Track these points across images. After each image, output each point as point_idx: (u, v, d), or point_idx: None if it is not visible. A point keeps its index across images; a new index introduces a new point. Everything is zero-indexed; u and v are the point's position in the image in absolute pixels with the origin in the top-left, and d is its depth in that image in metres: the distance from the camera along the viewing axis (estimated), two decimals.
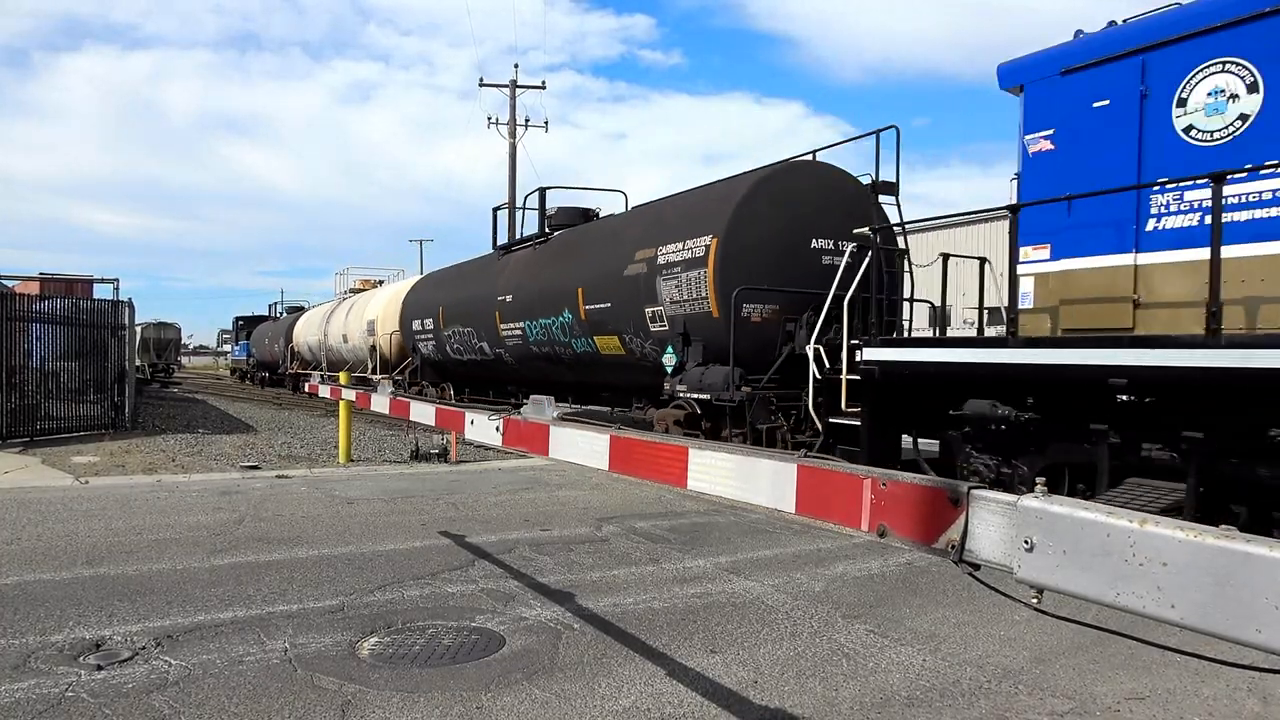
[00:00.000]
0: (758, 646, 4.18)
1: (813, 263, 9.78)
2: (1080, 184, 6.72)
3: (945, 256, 8.00)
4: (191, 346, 78.71)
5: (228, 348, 56.10)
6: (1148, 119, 6.54)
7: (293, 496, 8.43)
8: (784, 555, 6.15)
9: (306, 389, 16.45)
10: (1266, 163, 5.74)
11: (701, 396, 9.80)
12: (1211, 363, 5.47)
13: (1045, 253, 7.18)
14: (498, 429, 4.57)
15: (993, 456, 7.24)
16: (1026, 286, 7.28)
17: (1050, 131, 7.20)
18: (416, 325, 19.43)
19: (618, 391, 13.22)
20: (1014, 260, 7.18)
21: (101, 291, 18.31)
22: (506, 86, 30.16)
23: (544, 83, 31.24)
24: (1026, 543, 1.64)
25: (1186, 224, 6.27)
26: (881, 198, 10.42)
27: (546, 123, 31.77)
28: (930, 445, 8.15)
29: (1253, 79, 6.01)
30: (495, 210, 16.83)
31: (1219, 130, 6.17)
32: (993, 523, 1.73)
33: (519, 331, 14.52)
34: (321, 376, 23.15)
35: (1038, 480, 1.82)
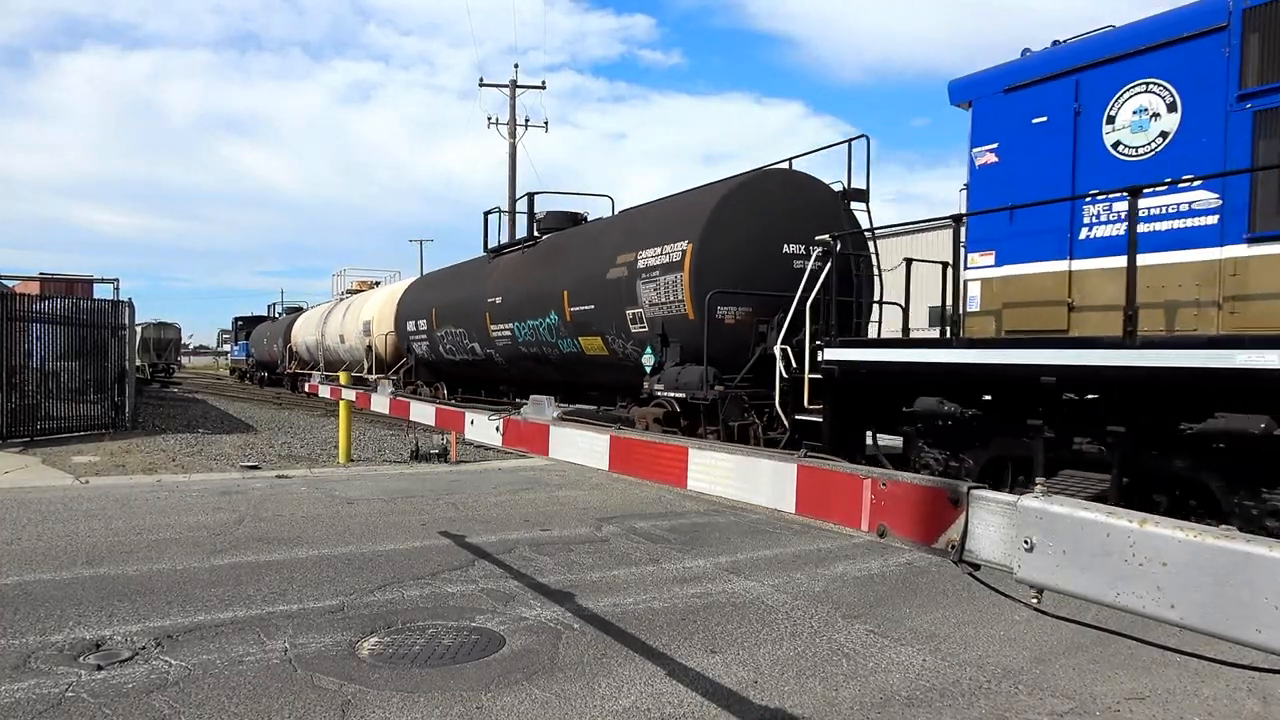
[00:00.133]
0: (758, 646, 4.18)
1: (784, 267, 10.12)
2: (1022, 195, 7.20)
3: (909, 261, 8.34)
4: (191, 346, 78.71)
5: (227, 348, 56.13)
6: (1081, 135, 7.00)
7: (293, 496, 8.43)
8: (784, 555, 6.15)
9: (306, 389, 16.58)
10: (1182, 177, 6.19)
11: (678, 395, 10.25)
12: (1127, 362, 5.88)
13: (990, 259, 7.65)
14: (498, 429, 4.57)
15: (942, 450, 7.66)
16: (974, 290, 7.78)
17: (995, 145, 7.68)
18: (411, 326, 19.76)
19: (603, 390, 13.60)
20: (957, 266, 7.63)
21: (101, 291, 18.33)
22: (506, 86, 30.18)
23: (544, 83, 31.30)
24: (1026, 543, 1.64)
25: (1114, 233, 6.65)
26: (853, 204, 10.81)
27: (546, 123, 31.81)
28: (895, 441, 8.51)
29: (1172, 99, 6.47)
30: (486, 214, 17.24)
31: (1143, 146, 6.63)
32: (993, 523, 1.73)
33: (508, 332, 14.89)
34: (322, 377, 23.30)
35: (1037, 480, 1.82)
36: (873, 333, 10.69)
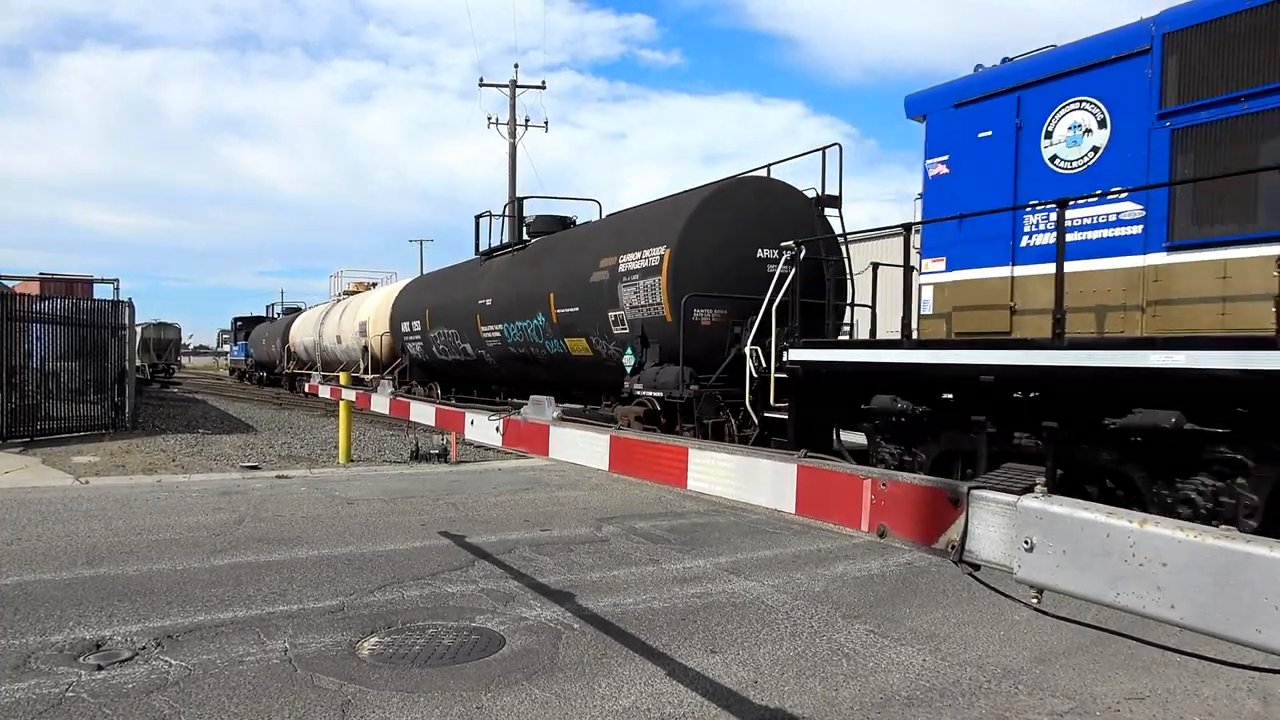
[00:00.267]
0: (758, 646, 4.18)
1: (758, 271, 10.43)
2: (970, 204, 7.66)
3: (875, 265, 8.73)
4: (191, 347, 78.69)
5: (227, 348, 56.16)
6: (1022, 148, 7.48)
7: (293, 497, 8.43)
8: (784, 555, 6.15)
9: (306, 389, 16.66)
10: (1106, 190, 6.70)
11: (656, 394, 10.70)
12: (1055, 362, 6.31)
13: (942, 264, 8.14)
14: (498, 429, 4.57)
15: (897, 445, 8.08)
16: (928, 294, 8.27)
17: (946, 157, 8.16)
18: (405, 327, 20.10)
19: (588, 389, 13.92)
20: (907, 271, 8.10)
21: (101, 291, 18.31)
22: (506, 86, 30.16)
23: (544, 83, 31.26)
24: (1026, 543, 1.63)
25: (1051, 241, 6.95)
26: (827, 210, 11.32)
27: (546, 123, 31.82)
28: (861, 437, 8.87)
29: (1102, 116, 6.92)
30: (478, 218, 17.63)
31: (1077, 160, 7.09)
32: (993, 523, 1.73)
33: (498, 333, 15.31)
34: (321, 377, 23.45)
35: (1037, 480, 1.82)
36: (859, 334, 11.05)
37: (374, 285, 29.55)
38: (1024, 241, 7.40)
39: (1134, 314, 6.62)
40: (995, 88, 7.69)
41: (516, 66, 32.07)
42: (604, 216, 14.63)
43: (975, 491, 1.78)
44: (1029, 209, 7.24)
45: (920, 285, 8.23)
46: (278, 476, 9.81)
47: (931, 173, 8.28)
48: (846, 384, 8.38)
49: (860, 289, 10.53)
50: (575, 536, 6.70)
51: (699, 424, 10.07)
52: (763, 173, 11.68)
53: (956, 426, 7.44)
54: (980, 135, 7.76)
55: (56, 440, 13.33)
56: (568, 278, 12.98)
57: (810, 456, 2.47)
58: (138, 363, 24.66)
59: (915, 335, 7.91)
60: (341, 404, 11.07)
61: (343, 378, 15.79)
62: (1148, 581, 1.42)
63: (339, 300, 29.00)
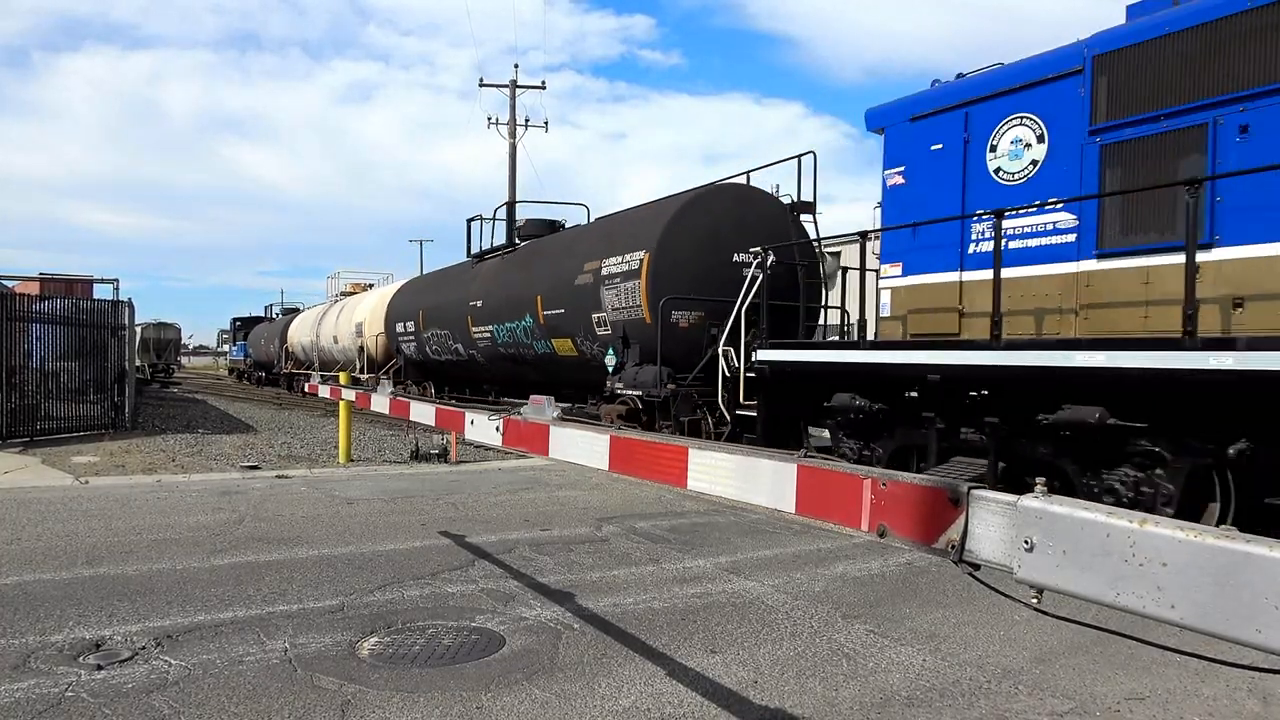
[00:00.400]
0: (758, 646, 4.18)
1: (735, 274, 10.71)
2: (924, 213, 8.17)
3: (844, 270, 9.08)
4: (191, 346, 78.71)
5: (227, 348, 56.19)
6: (970, 161, 7.95)
7: (293, 496, 8.43)
8: (784, 555, 6.16)
9: (306, 389, 16.73)
10: (1041, 201, 7.20)
11: (635, 393, 11.13)
12: (993, 361, 6.82)
13: (899, 270, 8.59)
14: (498, 429, 4.57)
15: (857, 441, 8.51)
16: (886, 298, 8.71)
17: (902, 168, 8.64)
18: (400, 327, 20.55)
19: (575, 388, 14.27)
20: (863, 276, 8.69)
21: (101, 292, 18.29)
22: (506, 87, 30.15)
23: (544, 83, 31.26)
24: (1026, 543, 1.63)
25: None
26: (803, 216, 11.83)
27: (546, 123, 31.81)
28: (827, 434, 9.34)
29: (1041, 131, 7.38)
30: (469, 221, 18.04)
31: (1018, 172, 7.56)
32: (993, 523, 1.73)
33: (489, 334, 15.74)
34: (319, 377, 23.60)
35: (1037, 481, 1.83)
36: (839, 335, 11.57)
37: (370, 286, 29.95)
38: (971, 249, 7.87)
39: (1069, 317, 7.08)
40: (946, 103, 8.18)
41: (516, 67, 32.10)
42: (591, 220, 15.22)
43: (975, 491, 1.78)
44: (975, 218, 7.68)
45: (880, 289, 8.72)
46: (278, 476, 9.81)
47: (889, 183, 8.77)
48: (810, 383, 8.81)
49: (849, 290, 10.83)
50: (575, 536, 6.70)
51: (676, 421, 10.45)
52: (742, 179, 12.18)
53: (910, 422, 7.86)
54: (933, 148, 8.24)
55: (56, 440, 13.33)
56: (554, 281, 13.37)
57: (810, 456, 2.47)
58: (137, 363, 24.69)
59: (875, 336, 8.52)
60: (341, 404, 11.07)
61: (343, 377, 15.85)
62: (1148, 581, 1.42)
63: (336, 301, 29.35)
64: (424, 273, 24.62)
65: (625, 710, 3.40)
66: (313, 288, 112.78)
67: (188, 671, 3.68)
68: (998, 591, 2.07)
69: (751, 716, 3.39)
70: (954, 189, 8.00)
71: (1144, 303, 6.57)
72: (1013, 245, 7.36)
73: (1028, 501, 1.66)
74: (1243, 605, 1.29)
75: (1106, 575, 1.49)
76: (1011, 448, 7.06)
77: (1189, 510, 6.00)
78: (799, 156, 11.58)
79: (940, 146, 8.16)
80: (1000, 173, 7.66)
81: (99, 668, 3.70)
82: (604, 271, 11.94)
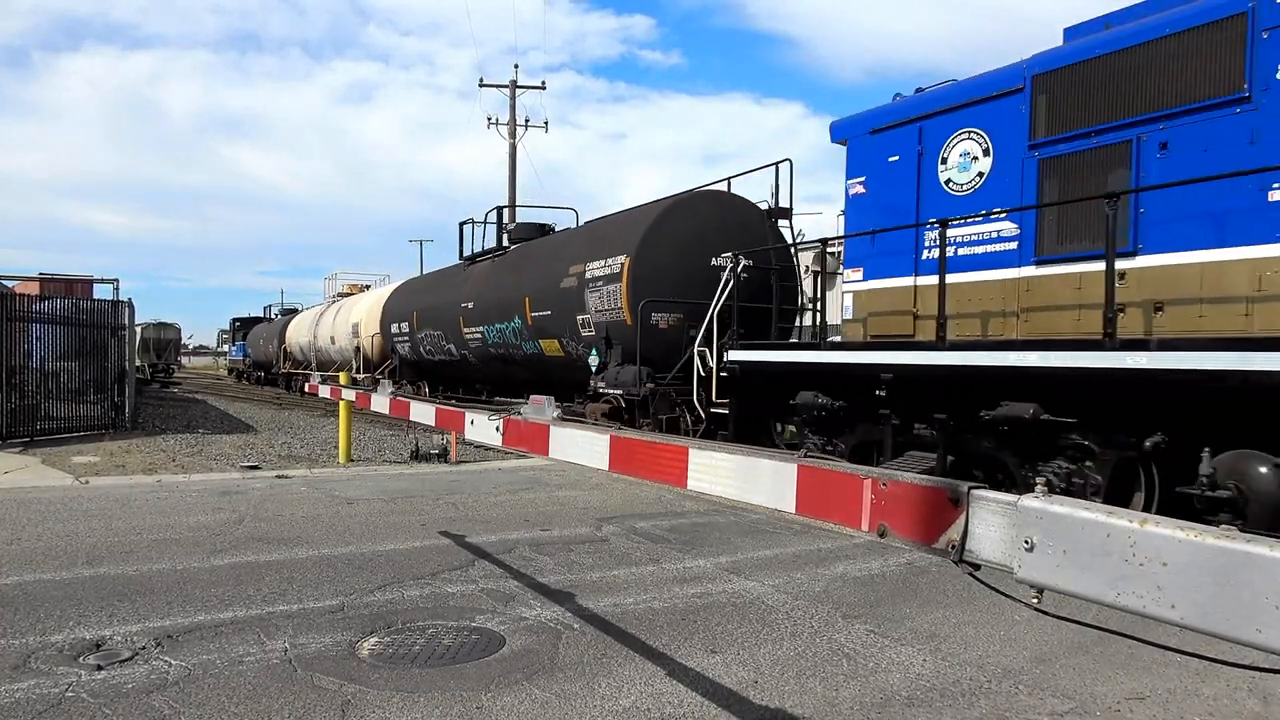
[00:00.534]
0: (758, 646, 4.18)
1: (714, 277, 10.91)
2: (882, 222, 8.61)
3: (816, 273, 9.43)
4: (191, 347, 78.64)
5: (226, 348, 56.20)
6: (923, 172, 8.38)
7: (293, 496, 8.43)
8: (784, 555, 6.16)
9: (306, 389, 16.78)
10: (984, 211, 7.61)
11: (616, 392, 11.52)
12: (937, 361, 7.30)
13: (860, 275, 9.05)
14: (498, 429, 4.57)
15: (820, 437, 8.92)
16: (848, 301, 9.18)
17: (863, 179, 9.07)
18: (395, 328, 20.94)
19: (563, 388, 14.61)
20: (824, 281, 9.27)
21: (101, 292, 18.29)
22: (506, 87, 30.15)
23: (544, 83, 31.28)
24: (1026, 543, 1.63)
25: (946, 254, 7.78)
26: (780, 221, 12.16)
27: (546, 123, 31.80)
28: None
29: (986, 145, 7.82)
30: (461, 225, 18.42)
31: (966, 183, 7.99)
32: (993, 523, 1.73)
33: (479, 335, 16.12)
34: (318, 377, 23.69)
35: (1037, 480, 1.83)
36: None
37: (367, 288, 30.40)
38: (924, 255, 8.34)
39: (1011, 319, 7.54)
40: (902, 117, 8.62)
41: (516, 67, 32.13)
42: (580, 224, 15.65)
43: (975, 491, 1.78)
44: (926, 226, 8.13)
45: (843, 293, 9.29)
46: (278, 476, 9.81)
47: (851, 192, 9.19)
48: (777, 381, 9.21)
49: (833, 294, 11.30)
50: (575, 536, 6.70)
51: (654, 419, 10.87)
52: (723, 186, 12.52)
53: (869, 419, 8.28)
54: (890, 160, 8.70)
55: (56, 440, 13.33)
56: (542, 283, 13.75)
57: (810, 456, 2.47)
58: (137, 363, 24.70)
59: (841, 338, 9.08)
60: (341, 404, 11.08)
61: (342, 377, 15.89)
62: (1148, 581, 1.42)
63: (333, 302, 29.65)
64: (423, 273, 24.74)
65: (625, 710, 3.40)
66: (312, 288, 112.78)
67: (188, 671, 3.68)
68: (998, 591, 2.07)
69: (752, 716, 3.39)
70: (909, 198, 8.46)
71: (1077, 306, 7.01)
72: (961, 252, 7.85)
73: (1028, 501, 1.65)
74: (1243, 605, 1.30)
75: (1107, 575, 1.49)
76: (959, 442, 7.49)
77: (1118, 499, 6.38)
78: (776, 164, 11.94)
79: (897, 158, 8.62)
80: (950, 183, 8.11)
81: (99, 668, 3.70)
82: (588, 275, 12.32)
